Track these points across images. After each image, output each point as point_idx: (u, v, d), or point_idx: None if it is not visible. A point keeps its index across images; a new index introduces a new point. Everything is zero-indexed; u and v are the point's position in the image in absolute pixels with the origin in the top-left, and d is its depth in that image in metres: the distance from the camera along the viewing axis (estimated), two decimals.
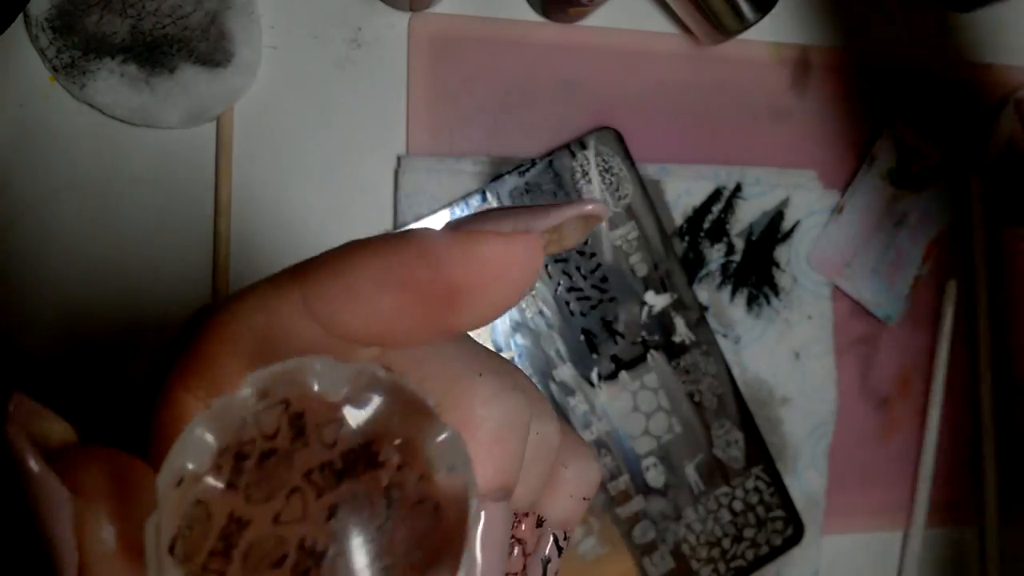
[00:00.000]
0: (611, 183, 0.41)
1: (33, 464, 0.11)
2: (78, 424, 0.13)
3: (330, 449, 0.11)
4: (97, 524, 0.11)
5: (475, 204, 0.40)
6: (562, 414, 0.41)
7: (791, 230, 0.45)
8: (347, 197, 0.40)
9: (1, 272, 0.37)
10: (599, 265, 0.41)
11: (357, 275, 0.13)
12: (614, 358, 0.41)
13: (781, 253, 0.44)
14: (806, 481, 0.45)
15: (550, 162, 0.40)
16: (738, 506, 0.43)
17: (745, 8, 0.40)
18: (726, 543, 0.42)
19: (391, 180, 0.40)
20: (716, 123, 0.44)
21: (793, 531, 0.43)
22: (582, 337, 0.41)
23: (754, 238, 0.44)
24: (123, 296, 0.38)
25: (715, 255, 0.44)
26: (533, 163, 0.40)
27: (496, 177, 0.40)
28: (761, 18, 0.40)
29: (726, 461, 0.42)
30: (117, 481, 0.12)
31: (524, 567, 0.17)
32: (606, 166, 0.41)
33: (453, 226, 0.13)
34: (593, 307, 0.41)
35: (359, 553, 0.11)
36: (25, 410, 0.12)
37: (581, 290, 0.41)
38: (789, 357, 0.44)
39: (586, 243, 0.41)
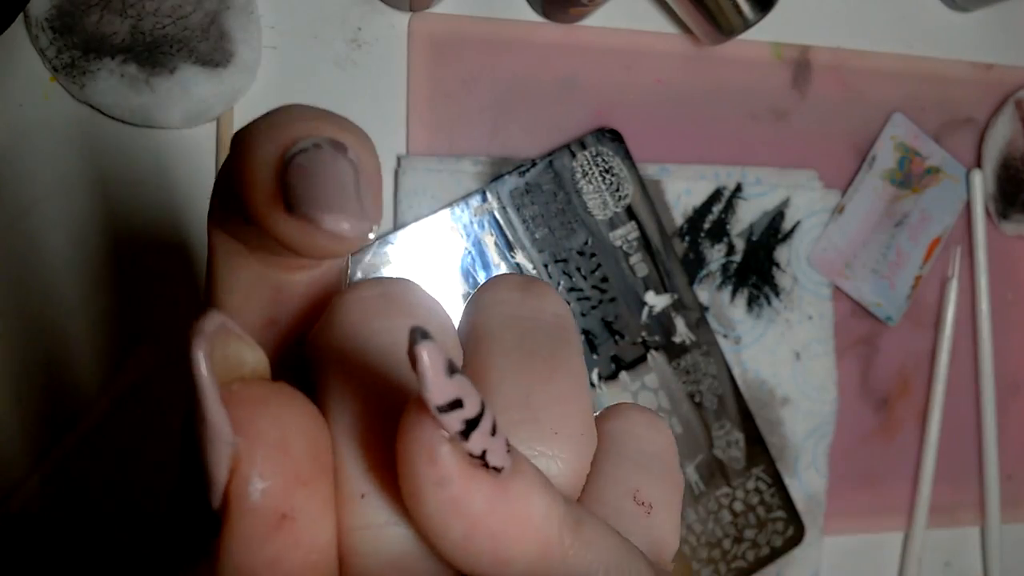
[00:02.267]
0: (611, 183, 0.41)
1: (209, 394, 0.11)
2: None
3: None
4: (249, 474, 0.11)
5: (475, 204, 0.40)
6: None
7: (791, 230, 0.44)
8: None
9: (1, 271, 0.37)
10: (599, 265, 0.41)
11: None
12: (614, 358, 0.41)
13: (781, 253, 0.44)
14: (807, 482, 0.44)
15: (550, 162, 0.40)
16: (739, 507, 0.42)
17: (745, 8, 0.40)
18: (727, 544, 0.42)
19: (391, 180, 0.40)
20: (716, 123, 0.44)
21: (794, 532, 0.43)
22: (582, 337, 0.41)
23: (754, 238, 0.44)
24: (123, 296, 0.38)
25: (715, 255, 0.43)
26: (533, 163, 0.40)
27: (496, 177, 0.40)
28: (761, 18, 0.40)
29: (726, 462, 0.42)
30: (284, 435, 0.11)
31: None
32: (606, 166, 0.41)
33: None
34: (593, 307, 0.41)
35: None
36: (221, 328, 0.11)
37: (581, 290, 0.41)
38: (789, 357, 0.44)
39: (586, 243, 0.41)
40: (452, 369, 0.10)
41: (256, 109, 0.39)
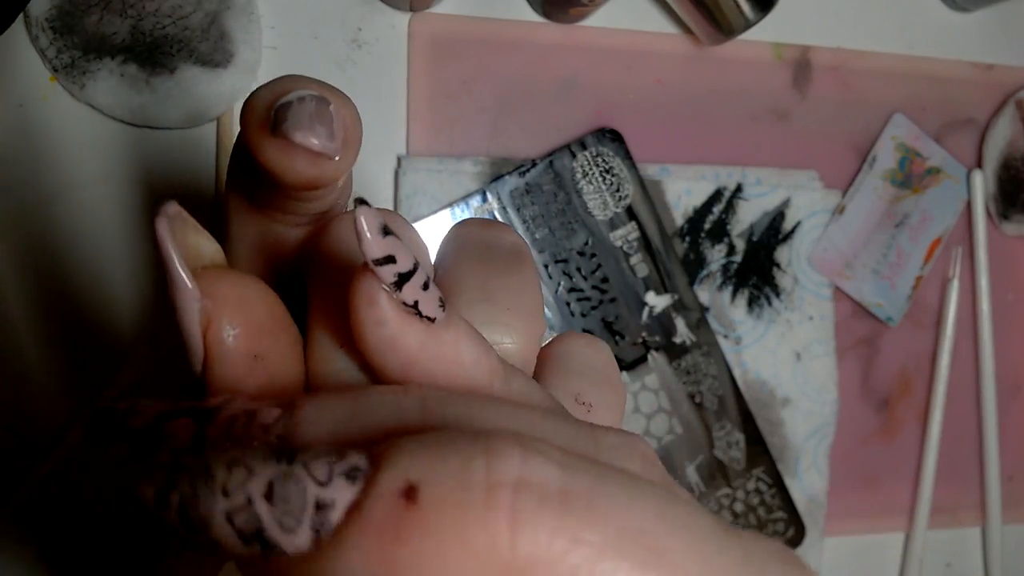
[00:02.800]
0: (611, 184, 0.41)
1: (175, 261, 0.13)
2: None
3: None
4: (220, 323, 0.14)
5: (475, 204, 0.40)
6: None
7: (792, 230, 0.44)
8: None
9: (2, 272, 0.37)
10: (599, 266, 0.41)
11: None
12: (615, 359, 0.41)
13: (782, 254, 0.44)
14: (807, 482, 0.44)
15: (550, 162, 0.40)
16: (739, 507, 0.42)
17: (746, 8, 0.40)
18: None
19: (391, 180, 0.40)
20: (717, 123, 0.44)
21: (794, 533, 0.43)
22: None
23: (755, 239, 0.44)
24: (123, 296, 0.38)
25: (716, 256, 0.43)
26: (533, 163, 0.40)
27: (496, 177, 0.40)
28: (762, 18, 0.40)
29: (727, 462, 0.42)
30: (244, 295, 0.14)
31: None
32: (606, 167, 0.41)
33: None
34: (594, 308, 0.41)
35: None
36: (178, 216, 0.14)
37: (582, 291, 0.41)
38: (790, 358, 0.44)
39: (587, 243, 0.41)
40: (386, 231, 0.13)
41: None
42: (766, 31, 0.43)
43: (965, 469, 0.48)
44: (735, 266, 0.44)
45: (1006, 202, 0.47)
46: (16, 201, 0.37)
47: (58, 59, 0.35)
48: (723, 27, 0.40)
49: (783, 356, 0.44)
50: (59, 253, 0.37)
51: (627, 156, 0.41)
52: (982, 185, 0.47)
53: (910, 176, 0.46)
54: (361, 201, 0.12)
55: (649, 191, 0.41)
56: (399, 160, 0.40)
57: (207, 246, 0.14)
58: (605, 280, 0.41)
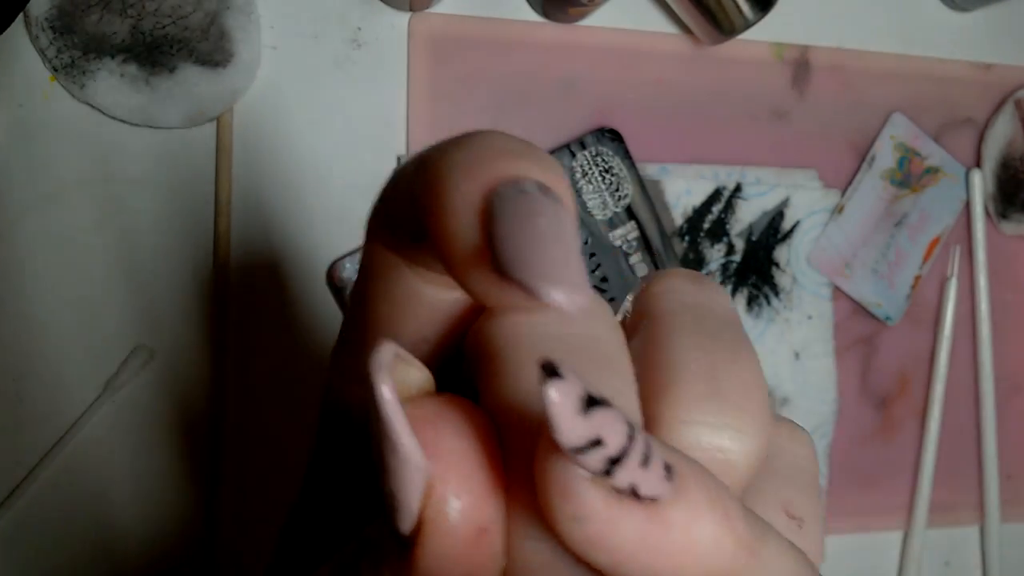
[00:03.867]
0: (611, 183, 0.41)
1: (401, 427, 0.10)
2: None
3: None
4: (444, 495, 0.11)
5: None
6: None
7: (791, 230, 0.45)
8: (347, 197, 0.40)
9: (1, 272, 0.37)
10: (599, 265, 0.41)
11: None
12: None
13: (781, 253, 0.44)
14: None
15: None
16: None
17: (745, 7, 0.40)
18: None
19: None
20: (716, 123, 0.44)
21: None
22: None
23: (754, 238, 0.44)
24: (123, 296, 0.38)
25: (715, 255, 0.44)
26: None
27: None
28: (762, 17, 0.40)
29: None
30: (470, 446, 0.11)
31: None
32: (606, 166, 0.41)
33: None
34: None
35: None
36: (393, 359, 0.11)
37: None
38: (789, 357, 0.44)
39: (586, 242, 0.41)
40: (590, 403, 0.09)
41: (256, 109, 0.39)
42: (766, 31, 0.43)
43: (963, 468, 0.48)
44: (734, 265, 0.44)
45: (1005, 201, 0.48)
46: (15, 200, 0.37)
47: (58, 59, 0.35)
48: (723, 27, 0.40)
49: (782, 355, 0.44)
50: (58, 253, 0.37)
51: (626, 156, 0.41)
52: (981, 184, 0.47)
53: (909, 175, 0.46)
54: (552, 371, 0.09)
55: (648, 191, 0.41)
56: (399, 160, 0.40)
57: (415, 375, 0.12)
58: (604, 280, 0.41)
